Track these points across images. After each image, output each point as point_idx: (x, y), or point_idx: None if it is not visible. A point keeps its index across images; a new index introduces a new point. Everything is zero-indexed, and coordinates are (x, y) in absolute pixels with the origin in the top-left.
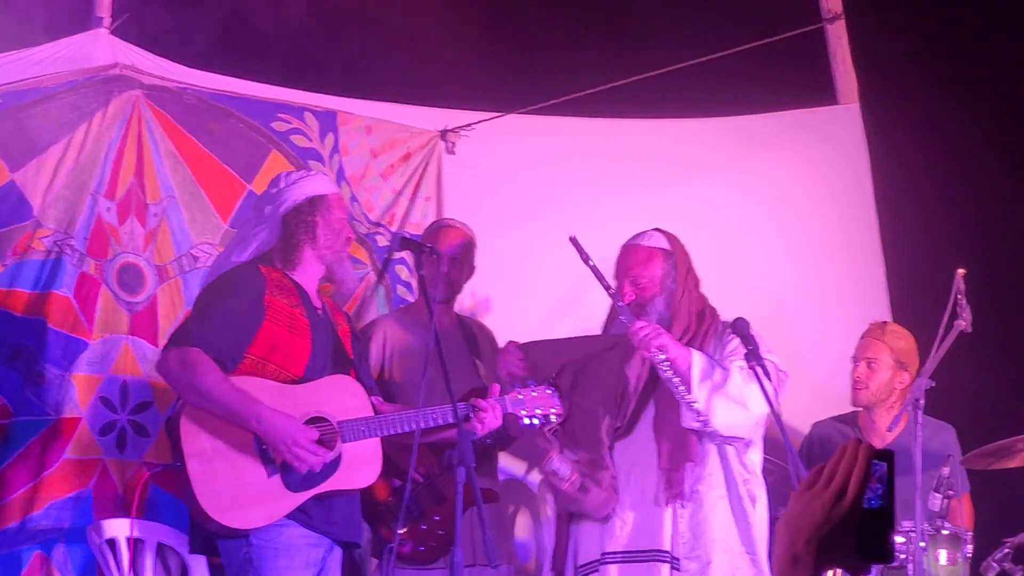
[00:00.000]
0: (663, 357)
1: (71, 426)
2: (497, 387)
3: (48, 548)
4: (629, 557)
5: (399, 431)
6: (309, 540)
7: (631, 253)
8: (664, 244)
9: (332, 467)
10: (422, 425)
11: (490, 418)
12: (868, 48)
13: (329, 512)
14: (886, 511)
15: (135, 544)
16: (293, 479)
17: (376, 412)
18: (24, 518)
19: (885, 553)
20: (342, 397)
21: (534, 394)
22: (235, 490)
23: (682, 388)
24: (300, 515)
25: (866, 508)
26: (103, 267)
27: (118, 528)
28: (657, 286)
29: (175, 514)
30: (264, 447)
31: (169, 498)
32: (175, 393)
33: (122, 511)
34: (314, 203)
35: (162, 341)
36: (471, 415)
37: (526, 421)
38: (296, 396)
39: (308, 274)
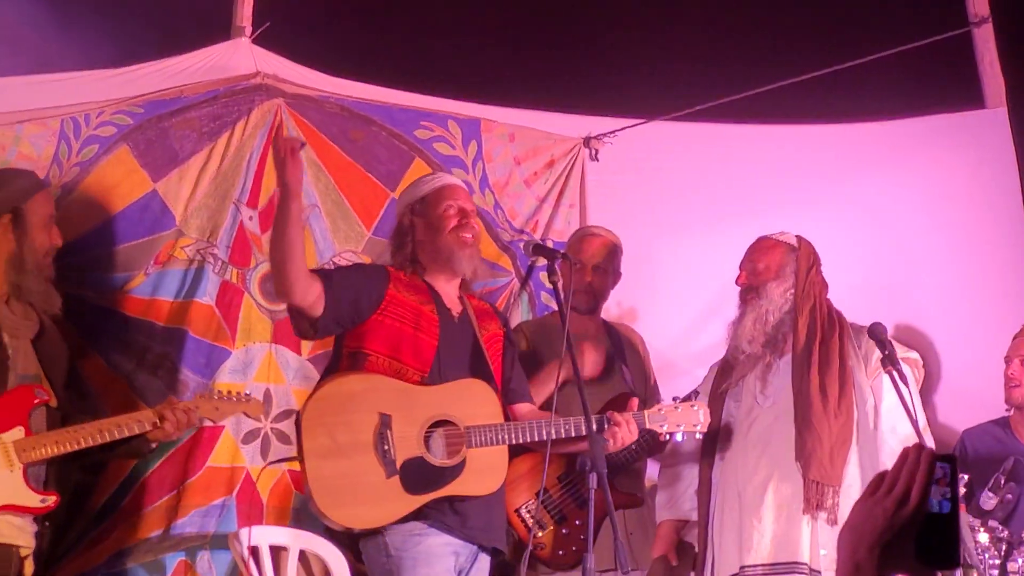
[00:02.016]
0: None
1: (214, 434)
2: (636, 401)
3: (192, 555)
4: (769, 570)
5: (527, 440)
6: (450, 547)
7: (758, 242)
8: (791, 240)
9: (455, 471)
10: (551, 436)
11: (623, 433)
12: (1016, 51)
13: (465, 517)
14: (951, 515)
15: (277, 551)
16: (412, 481)
17: (513, 419)
18: (168, 525)
19: (950, 558)
20: (472, 402)
21: (678, 410)
22: (352, 489)
23: None
24: (438, 521)
25: (930, 513)
26: (245, 275)
27: (261, 535)
28: (773, 273)
29: (318, 520)
30: (385, 448)
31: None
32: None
33: (265, 518)
34: (414, 208)
35: (305, 349)
36: (604, 429)
37: (667, 437)
38: (425, 397)
39: (437, 277)
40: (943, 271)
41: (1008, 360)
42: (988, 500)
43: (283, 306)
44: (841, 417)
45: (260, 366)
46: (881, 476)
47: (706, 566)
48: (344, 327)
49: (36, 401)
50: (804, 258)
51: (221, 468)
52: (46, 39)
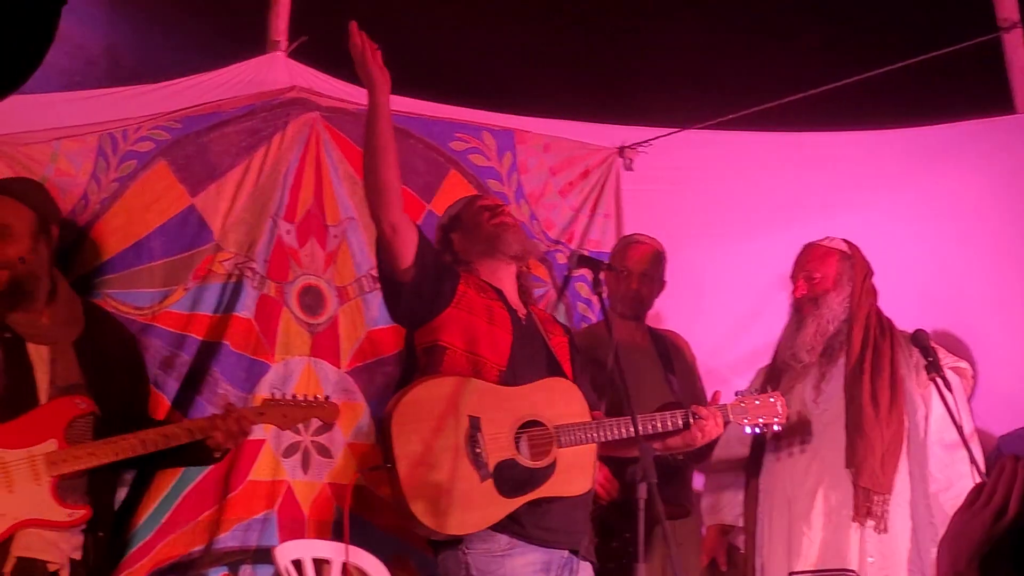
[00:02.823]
0: None
1: (255, 448)
2: (719, 393)
3: (235, 569)
4: None
5: (617, 436)
6: (534, 567)
7: (809, 250)
8: (842, 247)
9: (547, 472)
10: (642, 431)
11: (711, 427)
12: None
13: (548, 522)
14: None
15: (320, 564)
16: (506, 483)
17: None
18: (211, 540)
19: None
20: (559, 401)
21: (757, 402)
22: (447, 494)
23: None
24: (519, 535)
25: None
26: (284, 289)
27: (304, 549)
28: (831, 282)
29: (360, 533)
30: (477, 451)
31: (354, 517)
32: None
33: (306, 531)
34: (450, 226)
35: (344, 362)
36: (691, 423)
37: (747, 430)
38: (513, 398)
39: (494, 274)
40: (978, 278)
41: None
42: None
43: (322, 319)
44: (892, 425)
45: (299, 379)
46: (979, 488)
47: (756, 572)
48: (424, 305)
49: (76, 412)
50: (860, 267)
51: (262, 482)
52: (86, 55)
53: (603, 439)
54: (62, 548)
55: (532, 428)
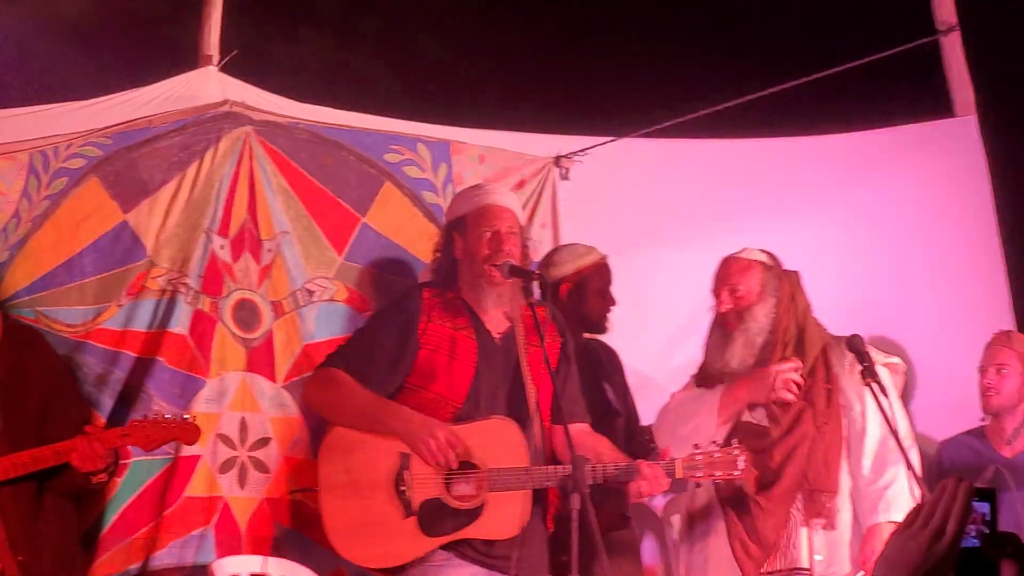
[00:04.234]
0: None
1: (190, 464)
2: (668, 450)
3: None
4: None
5: (550, 484)
6: None
7: (729, 263)
8: (763, 258)
9: (474, 514)
10: (581, 481)
11: (650, 486)
12: (984, 58)
13: (490, 547)
14: (987, 551)
15: None
16: (429, 522)
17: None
18: (147, 557)
19: None
20: (498, 444)
21: (716, 455)
22: (367, 528)
23: None
24: (460, 553)
25: (965, 548)
26: (218, 304)
27: (241, 565)
28: (755, 296)
29: (297, 548)
30: (402, 488)
31: (291, 532)
32: (316, 413)
33: (244, 547)
34: (455, 224)
35: (280, 376)
36: (629, 478)
37: (699, 484)
38: None
39: (479, 296)
40: (916, 281)
41: (983, 369)
42: None
43: (257, 334)
44: (831, 424)
45: (235, 395)
46: (917, 509)
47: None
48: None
49: None
50: (784, 279)
51: (199, 498)
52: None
53: (535, 487)
54: None
55: (466, 471)
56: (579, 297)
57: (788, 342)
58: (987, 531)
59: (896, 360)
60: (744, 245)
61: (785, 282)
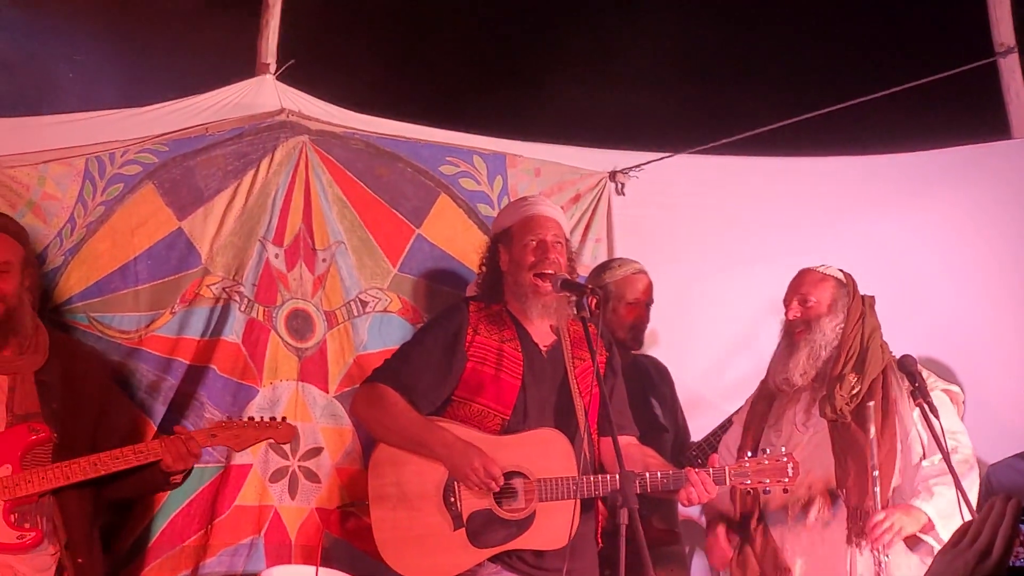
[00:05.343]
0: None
1: (242, 473)
2: (716, 457)
3: None
4: None
5: (599, 494)
6: None
7: (804, 275)
8: (839, 275)
9: (524, 524)
10: (628, 490)
11: (699, 493)
12: None
13: (541, 559)
14: None
15: None
16: (478, 533)
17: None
18: (197, 565)
19: None
20: (547, 453)
21: (765, 463)
22: (416, 539)
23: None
24: (510, 565)
25: (1013, 567)
26: (272, 313)
27: (290, 574)
28: (825, 308)
29: (347, 559)
30: (451, 500)
31: (341, 543)
32: (364, 429)
33: (293, 557)
34: (500, 237)
35: (332, 387)
36: (677, 486)
37: (749, 491)
38: (500, 449)
39: (524, 307)
40: (971, 303)
41: None
42: None
43: (311, 343)
44: (884, 446)
45: (287, 404)
46: (965, 527)
47: None
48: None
49: (32, 438)
50: (855, 296)
51: (249, 507)
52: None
53: (582, 496)
54: (19, 570)
55: (516, 479)
56: (608, 309)
57: (850, 359)
58: None
59: (956, 389)
60: (796, 264)
61: (857, 301)
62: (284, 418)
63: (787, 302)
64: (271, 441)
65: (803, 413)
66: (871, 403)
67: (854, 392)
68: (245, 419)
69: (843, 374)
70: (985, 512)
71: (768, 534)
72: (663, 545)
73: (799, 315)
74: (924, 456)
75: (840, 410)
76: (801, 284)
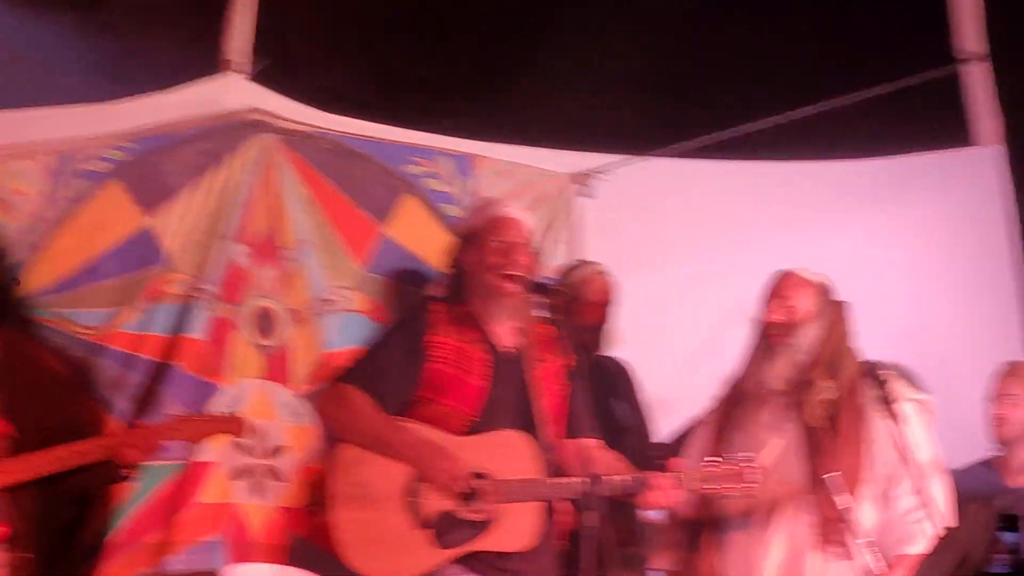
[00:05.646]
0: None
1: (205, 470)
2: (679, 461)
3: None
4: None
5: (561, 497)
6: None
7: (786, 277)
8: (820, 280)
9: (488, 526)
10: (591, 493)
11: (662, 497)
12: (1012, 88)
13: (506, 561)
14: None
15: None
16: (442, 534)
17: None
18: (158, 563)
19: None
20: (510, 455)
21: (730, 468)
22: (379, 540)
23: None
24: (473, 568)
25: (992, 573)
26: (237, 311)
27: (253, 573)
28: (806, 313)
29: (311, 558)
30: (414, 501)
31: (305, 542)
32: (329, 430)
33: (256, 556)
34: (466, 237)
35: (297, 385)
36: (641, 489)
37: (713, 496)
38: (461, 450)
39: (488, 308)
40: (930, 310)
41: (994, 399)
42: None
43: (275, 341)
44: (853, 453)
45: (251, 402)
46: (944, 536)
47: None
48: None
49: None
50: (836, 304)
51: (211, 504)
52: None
53: (546, 498)
54: None
55: (480, 480)
56: (570, 310)
57: (824, 364)
58: (1016, 558)
59: (927, 397)
60: (765, 267)
61: (835, 308)
62: (232, 413)
63: (767, 304)
64: (233, 438)
65: (774, 417)
66: (843, 409)
67: (827, 397)
68: (195, 414)
69: (816, 379)
70: (965, 519)
71: (718, 546)
72: (623, 546)
73: (781, 319)
74: (885, 461)
75: (813, 415)
76: (784, 287)
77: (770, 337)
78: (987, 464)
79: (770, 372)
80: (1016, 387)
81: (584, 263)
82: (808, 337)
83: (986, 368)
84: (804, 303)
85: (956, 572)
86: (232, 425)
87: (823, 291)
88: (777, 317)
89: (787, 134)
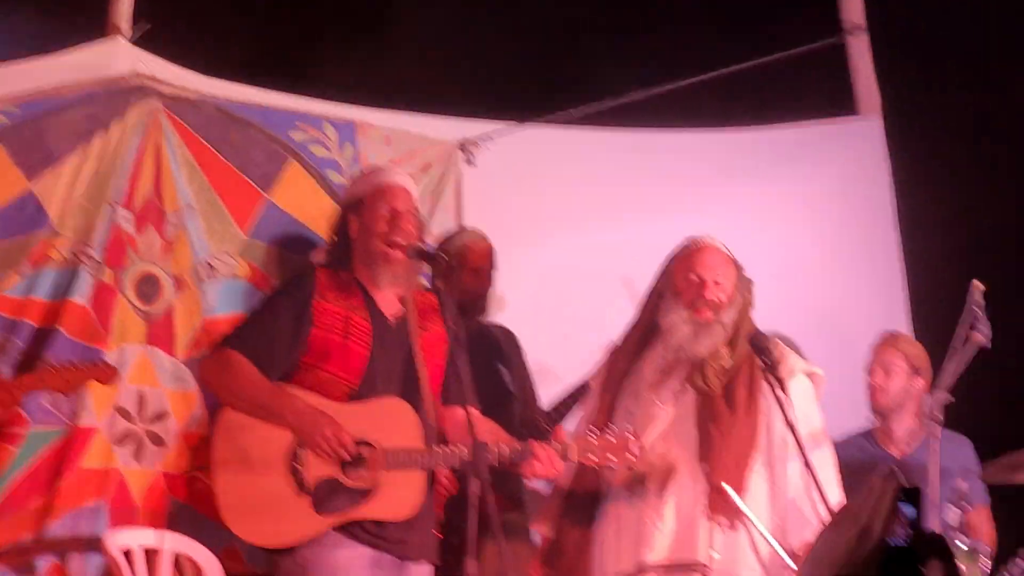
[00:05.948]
0: None
1: (87, 436)
2: (562, 431)
3: (64, 558)
4: (669, 569)
5: (446, 465)
6: (365, 559)
7: (711, 252)
8: (734, 256)
9: (368, 494)
10: (473, 464)
11: (543, 468)
12: (891, 60)
13: (383, 529)
14: (914, 550)
15: (151, 554)
16: (323, 501)
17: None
18: (40, 528)
19: None
20: (392, 423)
21: (611, 439)
22: (260, 505)
23: None
24: (351, 533)
25: (891, 547)
26: (120, 276)
27: (134, 538)
28: (733, 292)
29: (191, 524)
30: (296, 466)
31: (186, 508)
32: (212, 395)
33: (138, 521)
34: (351, 205)
35: (180, 351)
36: (523, 460)
37: (592, 467)
38: (344, 417)
39: (374, 275)
40: (813, 280)
41: (870, 369)
42: (951, 514)
43: (158, 307)
44: (748, 424)
45: (134, 368)
46: (845, 508)
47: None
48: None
49: None
50: (748, 294)
51: (94, 470)
52: None
53: (430, 467)
54: None
55: (362, 447)
56: (453, 278)
57: (730, 339)
58: (913, 532)
59: (819, 371)
60: (646, 236)
61: (745, 283)
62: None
63: (699, 283)
64: (104, 386)
65: (666, 385)
66: (737, 377)
67: (724, 366)
68: (63, 364)
69: (717, 348)
70: (865, 492)
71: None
72: (505, 512)
73: (718, 300)
74: (776, 433)
75: (710, 383)
76: (713, 265)
77: (702, 312)
78: (866, 435)
79: (705, 349)
80: (893, 357)
81: (465, 229)
82: (730, 318)
83: (871, 339)
84: (728, 283)
85: (855, 546)
86: (102, 372)
87: (738, 267)
88: (712, 296)
89: (674, 104)
